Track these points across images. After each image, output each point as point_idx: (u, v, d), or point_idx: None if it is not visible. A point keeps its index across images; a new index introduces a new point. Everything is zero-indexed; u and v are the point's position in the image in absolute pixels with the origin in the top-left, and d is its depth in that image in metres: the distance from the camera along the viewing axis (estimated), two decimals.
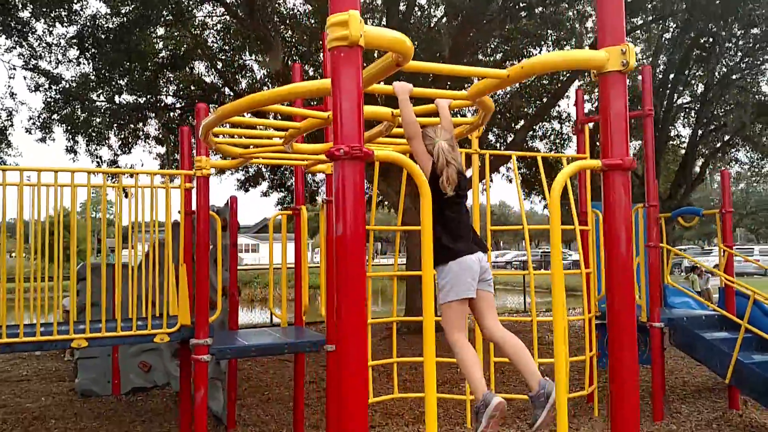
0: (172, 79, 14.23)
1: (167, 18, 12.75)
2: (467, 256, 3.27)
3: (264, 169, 18.10)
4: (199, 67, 14.67)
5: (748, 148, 17.10)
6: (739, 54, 14.09)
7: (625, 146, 2.36)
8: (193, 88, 14.21)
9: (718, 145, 16.35)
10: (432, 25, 13.07)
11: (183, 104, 14.64)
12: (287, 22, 12.78)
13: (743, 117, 12.88)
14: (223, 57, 14.43)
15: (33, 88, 13.85)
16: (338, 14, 1.98)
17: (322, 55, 14.16)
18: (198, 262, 4.91)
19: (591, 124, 7.44)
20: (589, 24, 14.60)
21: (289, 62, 12.46)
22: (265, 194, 19.15)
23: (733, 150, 17.33)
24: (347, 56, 2.00)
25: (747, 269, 28.36)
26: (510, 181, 17.69)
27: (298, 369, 6.07)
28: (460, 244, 3.30)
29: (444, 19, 13.15)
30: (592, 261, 6.82)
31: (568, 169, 2.31)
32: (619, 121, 2.36)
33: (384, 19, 13.01)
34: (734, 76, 14.27)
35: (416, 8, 13.33)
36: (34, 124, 13.86)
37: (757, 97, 14.96)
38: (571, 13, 13.09)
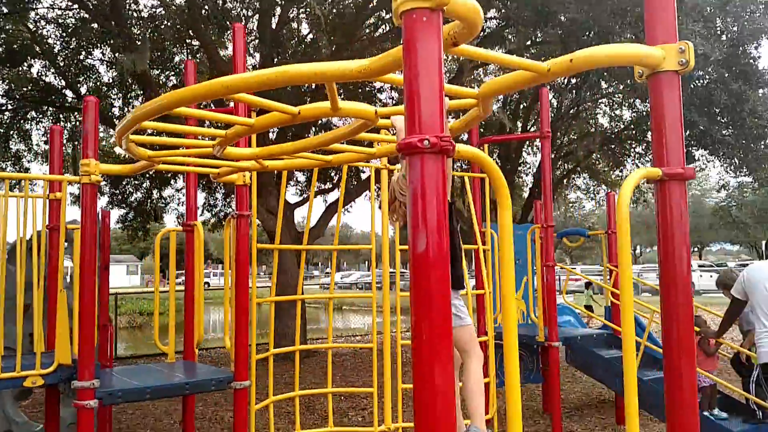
0: (3, 76, 12.41)
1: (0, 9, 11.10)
2: None
3: (104, 182, 16.48)
4: (37, 65, 12.97)
5: (586, 176, 18.58)
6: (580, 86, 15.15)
7: (681, 154, 2.14)
8: (28, 88, 12.49)
9: (565, 172, 17.55)
10: (307, 40, 12.66)
11: (15, 105, 12.83)
12: (149, 23, 11.68)
13: (591, 146, 13.92)
14: (65, 55, 12.86)
15: None
16: None
17: (184, 59, 13.23)
18: (82, 287, 4.04)
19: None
20: None
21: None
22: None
23: (575, 177, 18.72)
24: (430, 22, 1.55)
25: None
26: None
27: (188, 409, 5.28)
28: None
29: (310, 36, 12.85)
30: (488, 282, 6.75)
31: (633, 177, 2.04)
32: (675, 126, 2.13)
33: (256, 33, 12.40)
34: (579, 108, 15.40)
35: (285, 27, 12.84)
36: None
37: (595, 128, 16.27)
38: None
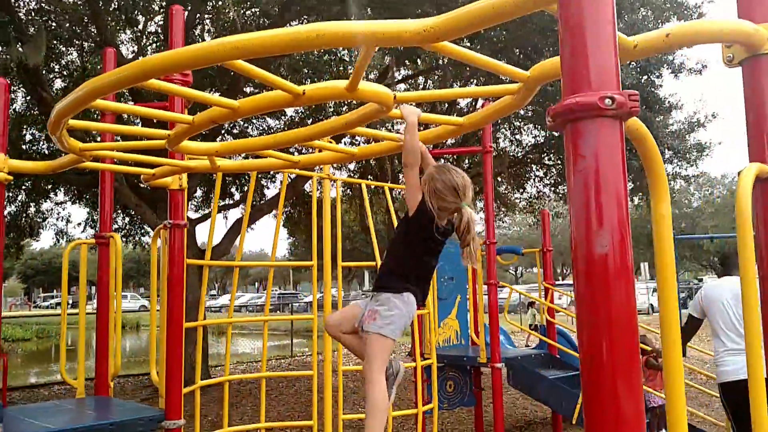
0: None
1: None
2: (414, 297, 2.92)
3: None
4: None
5: None
6: None
7: None
8: None
9: None
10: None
11: None
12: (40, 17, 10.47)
13: (500, 168, 14.10)
14: None
15: None
16: None
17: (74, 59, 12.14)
18: None
19: None
20: None
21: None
22: None
23: (479, 199, 18.99)
24: None
25: None
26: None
27: None
28: (421, 284, 2.96)
29: None
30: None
31: (748, 174, 1.72)
32: None
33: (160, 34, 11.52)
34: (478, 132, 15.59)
35: None
36: None
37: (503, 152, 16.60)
38: None
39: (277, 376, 8.20)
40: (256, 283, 64.15)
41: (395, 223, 5.90)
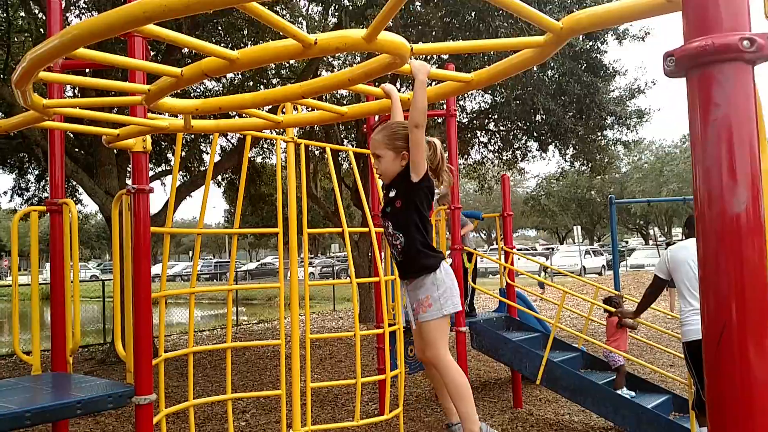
0: None
1: None
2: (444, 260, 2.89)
3: None
4: None
5: None
6: None
7: None
8: None
9: None
10: None
11: None
12: None
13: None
14: None
15: None
16: None
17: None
18: None
19: None
20: None
21: None
22: None
23: None
24: None
25: None
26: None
27: None
28: None
29: None
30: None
31: None
32: None
33: None
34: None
35: None
36: None
37: None
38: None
39: (246, 345, 7.94)
40: (190, 252, 62.62)
41: (361, 191, 5.76)
